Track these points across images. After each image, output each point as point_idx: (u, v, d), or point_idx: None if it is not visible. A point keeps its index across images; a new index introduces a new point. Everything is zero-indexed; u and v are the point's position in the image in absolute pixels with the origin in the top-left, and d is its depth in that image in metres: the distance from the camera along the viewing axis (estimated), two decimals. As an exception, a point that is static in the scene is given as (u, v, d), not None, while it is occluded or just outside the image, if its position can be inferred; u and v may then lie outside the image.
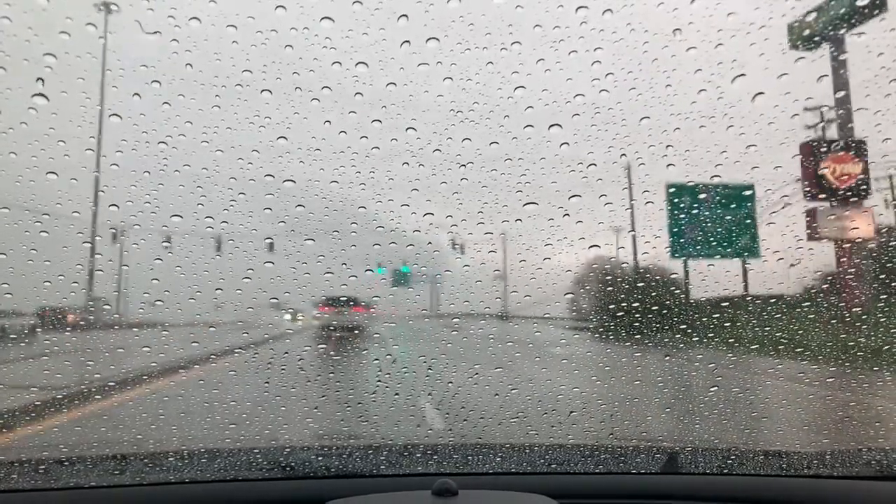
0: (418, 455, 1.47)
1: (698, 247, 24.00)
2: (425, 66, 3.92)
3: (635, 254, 26.88)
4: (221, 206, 4.51)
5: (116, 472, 1.29)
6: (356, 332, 21.15)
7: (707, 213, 24.38)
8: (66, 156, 3.94)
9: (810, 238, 23.02)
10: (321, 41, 3.73)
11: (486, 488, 1.21)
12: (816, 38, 23.06)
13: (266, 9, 3.80)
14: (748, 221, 23.71)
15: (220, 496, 1.20)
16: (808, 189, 23.51)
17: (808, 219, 23.59)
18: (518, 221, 4.58)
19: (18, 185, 4.01)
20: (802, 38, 21.77)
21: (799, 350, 9.18)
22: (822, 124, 24.36)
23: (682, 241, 23.86)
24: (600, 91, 4.03)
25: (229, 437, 3.20)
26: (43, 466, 1.35)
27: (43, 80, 3.42)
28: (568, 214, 4.22)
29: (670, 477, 1.34)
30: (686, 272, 23.60)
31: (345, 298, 22.85)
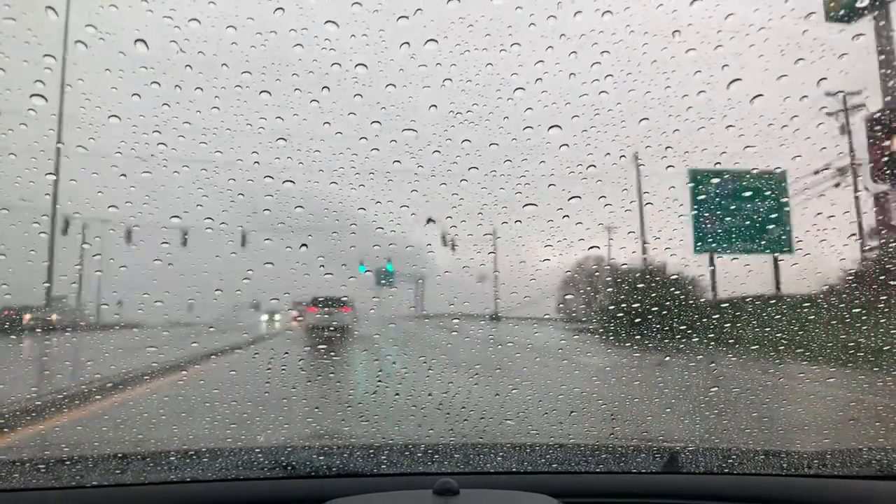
0: (419, 454, 1.47)
1: (723, 241, 22.97)
2: (424, 68, 3.92)
3: (644, 253, 25.94)
4: (220, 208, 4.51)
5: (118, 472, 1.29)
6: (342, 332, 21.05)
7: (734, 202, 23.13)
8: (65, 157, 3.94)
9: (880, 225, 21.99)
10: (321, 42, 3.73)
11: (488, 487, 1.21)
12: (856, 8, 22.28)
13: (265, 10, 3.80)
14: (779, 212, 22.69)
15: (222, 495, 1.20)
16: (878, 170, 22.31)
17: (879, 204, 22.43)
18: (518, 223, 4.58)
19: (17, 185, 4.01)
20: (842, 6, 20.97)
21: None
22: (844, 111, 23.25)
23: (705, 234, 23.02)
24: (600, 92, 4.04)
25: (230, 438, 3.20)
26: (44, 466, 1.35)
27: (43, 82, 3.42)
28: (567, 216, 4.22)
29: (671, 476, 1.34)
30: (712, 268, 22.60)
31: (332, 299, 22.75)
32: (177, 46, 3.58)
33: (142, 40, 3.39)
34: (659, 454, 1.44)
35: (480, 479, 1.26)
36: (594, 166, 4.34)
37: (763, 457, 1.43)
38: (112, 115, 3.73)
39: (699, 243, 22.79)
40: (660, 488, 1.28)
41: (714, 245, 23.07)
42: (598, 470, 1.38)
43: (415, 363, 12.69)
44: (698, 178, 23.58)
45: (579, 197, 4.18)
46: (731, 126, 4.15)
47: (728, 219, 22.67)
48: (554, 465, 1.40)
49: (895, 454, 1.44)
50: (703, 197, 22.75)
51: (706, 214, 22.85)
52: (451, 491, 1.11)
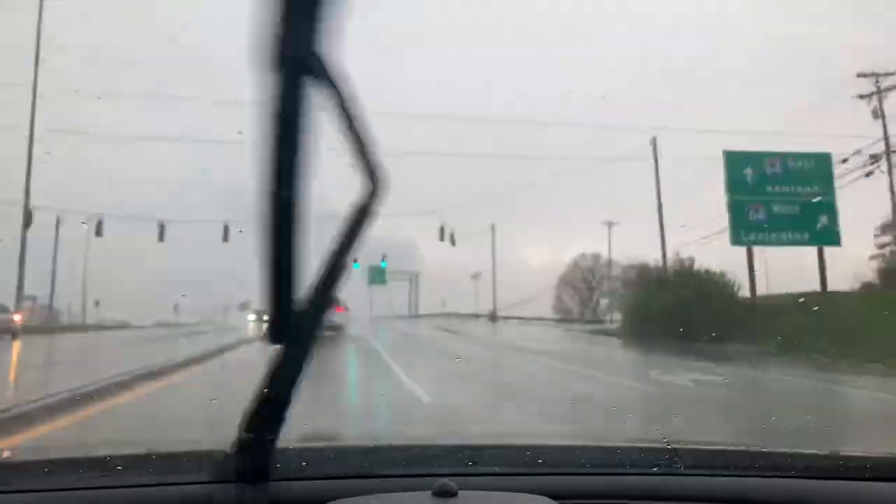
0: (418, 455, 1.46)
1: (766, 230, 19.79)
2: (427, 68, 3.92)
3: (664, 251, 24.65)
4: (220, 209, 4.51)
5: (112, 474, 1.27)
6: (336, 332, 20.92)
7: (776, 187, 19.97)
8: (64, 159, 3.95)
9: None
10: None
11: (487, 488, 1.20)
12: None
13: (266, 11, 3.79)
14: (825, 199, 19.74)
15: (218, 496, 1.20)
16: None
17: None
18: (524, 221, 4.58)
19: (17, 187, 4.02)
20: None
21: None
22: (877, 93, 21.09)
23: (743, 224, 19.75)
24: (605, 93, 4.03)
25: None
26: (37, 468, 1.34)
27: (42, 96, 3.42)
28: (573, 215, 4.22)
29: (671, 477, 1.33)
30: (750, 262, 19.71)
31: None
32: (175, 50, 3.59)
33: (139, 44, 3.39)
34: (659, 454, 1.44)
35: (479, 481, 1.26)
36: (606, 162, 4.33)
37: (763, 457, 1.42)
38: (112, 121, 3.74)
39: (737, 234, 19.78)
40: (659, 489, 1.27)
41: (753, 236, 19.80)
42: (597, 471, 1.37)
43: (410, 363, 12.41)
44: (735, 161, 20.22)
45: (588, 197, 4.18)
46: (730, 129, 4.14)
47: (770, 206, 19.92)
48: (553, 466, 1.40)
49: None
50: (741, 182, 19.93)
51: (745, 201, 19.95)
52: (449, 492, 1.11)
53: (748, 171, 20.11)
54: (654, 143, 25.92)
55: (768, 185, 20.15)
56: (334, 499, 1.13)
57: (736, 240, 20.10)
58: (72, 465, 1.35)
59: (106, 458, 1.37)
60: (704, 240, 22.73)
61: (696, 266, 22.82)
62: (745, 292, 20.13)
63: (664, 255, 25.32)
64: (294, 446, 1.46)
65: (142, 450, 1.49)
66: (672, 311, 17.53)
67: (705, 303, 17.46)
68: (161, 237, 20.80)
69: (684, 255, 24.69)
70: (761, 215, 20.07)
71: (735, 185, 20.15)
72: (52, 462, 1.39)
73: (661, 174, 25.90)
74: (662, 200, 25.54)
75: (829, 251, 19.93)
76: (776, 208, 20.01)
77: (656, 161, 25.91)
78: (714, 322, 16.44)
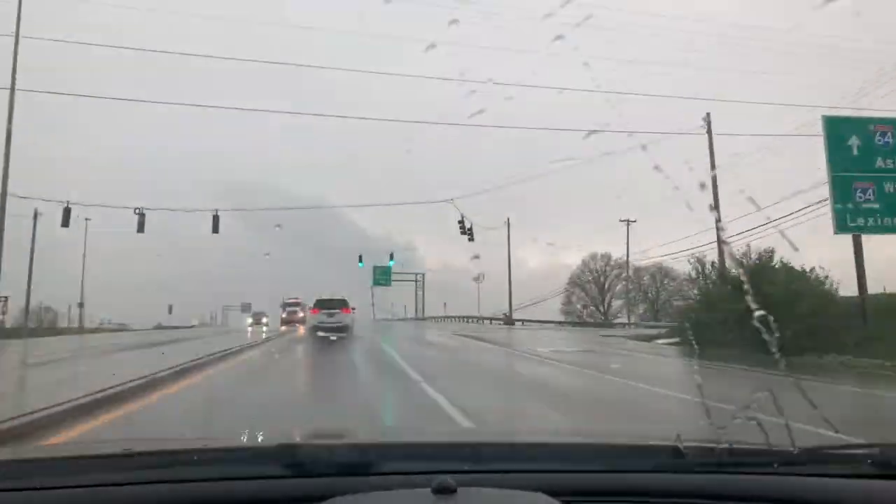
0: (418, 452, 1.47)
1: (875, 215, 16.06)
2: (436, 70, 3.91)
3: (719, 245, 22.30)
4: (221, 210, 4.52)
5: (114, 471, 1.28)
6: (344, 333, 20.68)
7: (887, 161, 16.18)
8: (64, 161, 3.95)
9: None
10: (327, 50, 3.73)
11: (486, 485, 1.21)
12: None
13: (272, 17, 3.79)
14: None
15: (219, 493, 1.20)
16: None
17: None
18: (526, 220, 4.56)
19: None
20: None
21: None
22: None
23: (851, 206, 16.14)
24: (625, 89, 4.00)
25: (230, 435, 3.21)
26: (39, 464, 1.34)
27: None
28: (581, 212, 4.20)
29: (672, 474, 1.34)
30: (859, 254, 16.10)
31: (334, 300, 22.49)
32: (175, 49, 3.59)
33: (137, 41, 3.40)
34: (660, 452, 1.44)
35: (479, 478, 1.26)
36: (624, 155, 4.32)
37: (765, 455, 1.42)
38: (111, 116, 3.75)
39: (842, 219, 15.83)
40: (660, 486, 1.28)
41: (862, 222, 15.95)
42: (597, 468, 1.38)
43: (413, 360, 12.13)
44: (837, 128, 16.38)
45: (606, 190, 4.15)
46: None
47: (882, 184, 15.97)
48: (553, 463, 1.40)
49: None
50: (845, 154, 15.92)
51: (851, 178, 15.96)
52: (448, 489, 1.11)
53: (853, 142, 16.47)
54: (707, 119, 23.45)
55: (878, 158, 16.55)
56: (336, 495, 1.14)
57: (841, 226, 16.25)
58: (75, 462, 1.36)
59: (103, 455, 1.38)
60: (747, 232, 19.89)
61: (775, 260, 18.54)
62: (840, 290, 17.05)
63: (720, 249, 22.20)
64: (296, 443, 1.46)
65: (138, 448, 1.49)
66: (749, 315, 14.81)
67: (796, 305, 14.51)
68: (140, 228, 19.85)
69: (738, 248, 20.65)
70: (871, 196, 16.37)
71: (838, 158, 16.35)
72: (63, 459, 1.40)
73: (663, 170, 25.00)
74: (673, 193, 24.14)
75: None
76: (888, 187, 16.40)
77: (710, 138, 23.24)
78: (810, 329, 14.10)
